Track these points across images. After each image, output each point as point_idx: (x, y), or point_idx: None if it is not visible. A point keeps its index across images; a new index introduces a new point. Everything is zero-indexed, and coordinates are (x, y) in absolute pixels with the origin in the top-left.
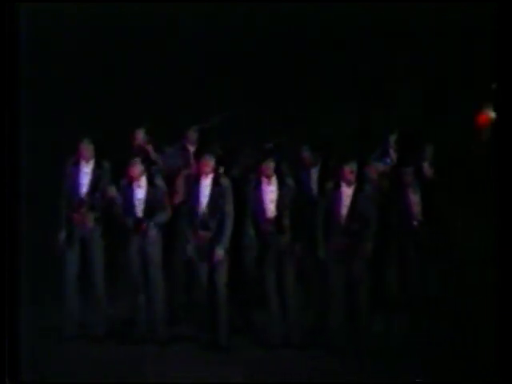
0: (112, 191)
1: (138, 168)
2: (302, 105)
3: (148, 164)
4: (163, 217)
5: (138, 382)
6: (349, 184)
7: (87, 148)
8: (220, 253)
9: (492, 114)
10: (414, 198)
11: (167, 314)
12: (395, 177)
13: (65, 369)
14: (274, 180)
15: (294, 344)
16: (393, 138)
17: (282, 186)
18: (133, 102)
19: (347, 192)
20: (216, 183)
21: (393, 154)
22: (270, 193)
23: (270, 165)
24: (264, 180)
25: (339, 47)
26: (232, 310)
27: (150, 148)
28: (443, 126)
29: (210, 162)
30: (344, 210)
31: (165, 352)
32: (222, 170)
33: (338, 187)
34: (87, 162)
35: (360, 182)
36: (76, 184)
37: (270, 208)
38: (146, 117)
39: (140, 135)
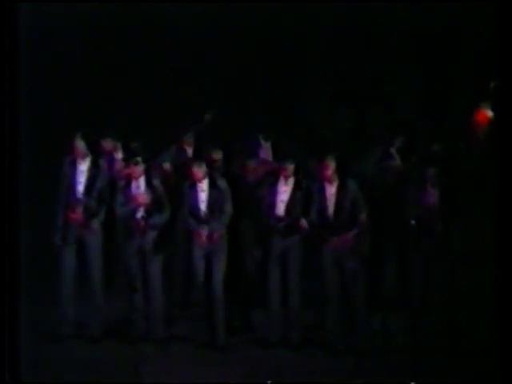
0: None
1: (138, 168)
2: (299, 105)
3: (147, 165)
4: (162, 218)
5: (136, 382)
6: (330, 181)
7: (80, 145)
8: (219, 229)
9: (490, 112)
10: (434, 198)
11: (165, 314)
12: (410, 176)
13: (63, 369)
14: (290, 181)
15: (291, 343)
16: (398, 141)
17: (297, 187)
18: (132, 101)
19: (331, 190)
20: (213, 186)
21: (396, 157)
22: (284, 193)
23: (288, 166)
24: (281, 180)
25: (339, 47)
26: (230, 310)
27: (117, 153)
28: (441, 125)
29: (200, 170)
30: (331, 209)
31: (162, 351)
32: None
33: (322, 186)
34: (83, 159)
35: (342, 179)
36: (73, 183)
37: (280, 207)
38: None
39: (108, 144)
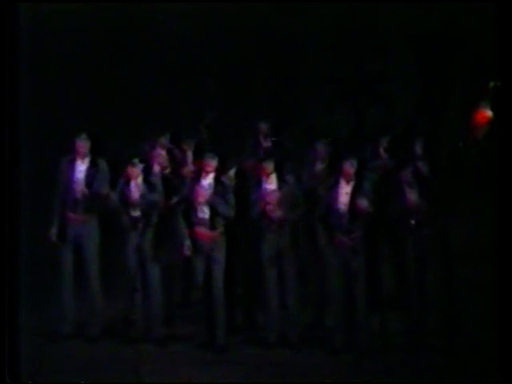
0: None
1: (136, 168)
2: (299, 105)
3: (146, 164)
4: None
5: (135, 382)
6: (348, 181)
7: (83, 145)
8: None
9: (489, 112)
10: (412, 197)
11: (164, 313)
12: (393, 176)
13: (63, 369)
14: (273, 178)
15: (291, 343)
16: (385, 140)
17: (281, 183)
18: (132, 101)
19: (346, 189)
20: (218, 182)
21: (383, 156)
22: (272, 191)
23: (269, 164)
24: (264, 178)
25: (339, 47)
26: (230, 309)
27: (162, 154)
28: (441, 124)
29: (212, 163)
30: (342, 207)
31: (162, 351)
32: (233, 171)
33: (337, 184)
34: (82, 159)
35: (359, 179)
36: (71, 182)
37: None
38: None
39: (162, 142)
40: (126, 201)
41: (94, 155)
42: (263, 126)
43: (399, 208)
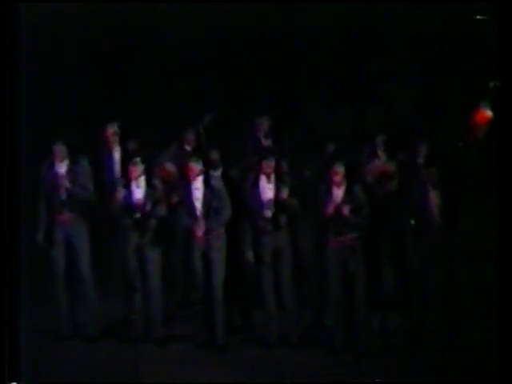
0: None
1: (137, 168)
2: (299, 105)
3: (147, 164)
4: (162, 212)
5: (135, 382)
6: (338, 185)
7: (60, 150)
8: (215, 228)
9: (489, 112)
10: (434, 198)
11: (163, 313)
12: (410, 175)
13: (63, 369)
14: (272, 178)
15: (291, 343)
16: (381, 139)
17: (279, 184)
18: (132, 101)
19: (338, 193)
20: (207, 185)
21: (382, 155)
22: (268, 191)
23: (269, 163)
24: (263, 178)
25: (338, 47)
26: (230, 309)
27: (115, 144)
28: (441, 124)
29: (195, 167)
30: (333, 211)
31: (161, 351)
32: (219, 171)
33: (330, 188)
34: (61, 162)
35: (349, 184)
36: (53, 183)
37: (269, 206)
38: (118, 114)
39: (111, 130)
40: (127, 201)
41: (75, 154)
42: (264, 124)
43: (423, 209)
